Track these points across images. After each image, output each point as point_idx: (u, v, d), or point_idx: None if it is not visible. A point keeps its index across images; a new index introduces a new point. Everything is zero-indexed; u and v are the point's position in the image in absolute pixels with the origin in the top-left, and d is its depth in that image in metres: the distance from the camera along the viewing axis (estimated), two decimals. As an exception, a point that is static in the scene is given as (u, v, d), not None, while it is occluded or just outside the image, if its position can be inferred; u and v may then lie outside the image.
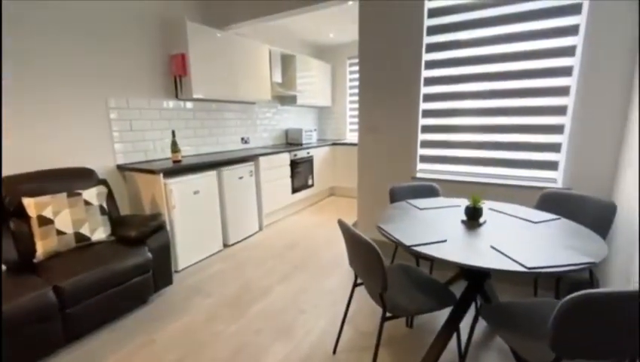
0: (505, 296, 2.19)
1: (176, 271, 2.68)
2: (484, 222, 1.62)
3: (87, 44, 2.47)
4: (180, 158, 2.86)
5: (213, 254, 3.02)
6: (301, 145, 4.60)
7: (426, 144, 2.62)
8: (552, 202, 1.98)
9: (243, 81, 3.52)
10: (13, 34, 2.10)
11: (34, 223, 1.95)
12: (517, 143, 2.33)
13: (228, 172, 3.11)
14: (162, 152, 3.09)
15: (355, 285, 1.67)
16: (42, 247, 1.94)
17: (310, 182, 4.57)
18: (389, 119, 2.67)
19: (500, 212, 1.79)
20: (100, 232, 2.15)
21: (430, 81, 2.53)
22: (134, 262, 2.04)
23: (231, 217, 3.19)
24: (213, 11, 3.41)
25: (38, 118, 2.26)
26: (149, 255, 2.15)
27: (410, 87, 2.55)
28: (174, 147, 2.83)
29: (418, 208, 1.87)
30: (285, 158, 3.98)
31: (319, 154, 4.73)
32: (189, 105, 3.32)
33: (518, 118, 2.29)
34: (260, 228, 3.67)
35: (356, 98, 5.32)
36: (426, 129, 2.60)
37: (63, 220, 2.02)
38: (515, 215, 1.73)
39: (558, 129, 2.19)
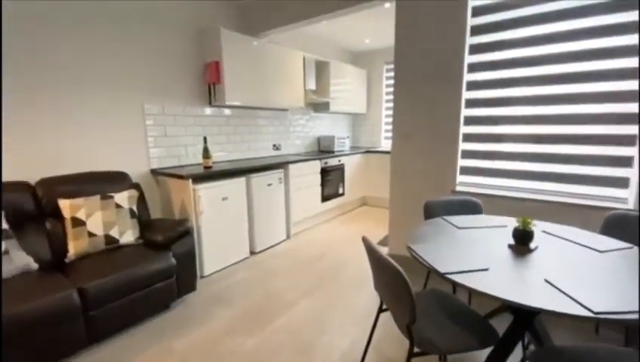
0: (560, 336, 1.87)
1: (201, 277, 2.67)
2: (536, 247, 1.38)
3: (125, 50, 2.58)
4: (210, 164, 2.88)
5: (239, 261, 2.99)
6: (333, 152, 4.49)
7: (468, 154, 2.37)
8: (621, 226, 1.66)
9: (276, 88, 3.51)
10: (51, 35, 2.23)
11: (68, 224, 2.03)
12: (577, 156, 2.02)
13: (257, 179, 3.08)
14: (194, 158, 3.14)
15: (381, 310, 1.50)
16: (74, 248, 2.01)
17: (341, 190, 4.44)
18: (425, 126, 2.47)
19: (556, 236, 1.53)
20: (128, 235, 2.19)
21: (474, 85, 2.30)
22: (158, 267, 2.04)
23: (258, 224, 3.15)
24: (248, 18, 3.45)
25: (77, 121, 2.37)
26: (173, 261, 2.14)
27: (451, 91, 2.34)
28: (206, 153, 2.86)
29: (456, 227, 1.66)
30: (316, 166, 3.89)
31: (351, 162, 4.59)
32: (222, 111, 3.36)
33: (579, 126, 1.99)
34: (288, 237, 3.59)
35: (391, 105, 5.12)
36: (469, 138, 2.36)
37: (94, 222, 2.08)
38: (574, 241, 1.46)
39: (628, 139, 1.86)
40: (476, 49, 2.26)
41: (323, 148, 4.74)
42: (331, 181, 4.21)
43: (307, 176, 3.76)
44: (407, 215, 2.67)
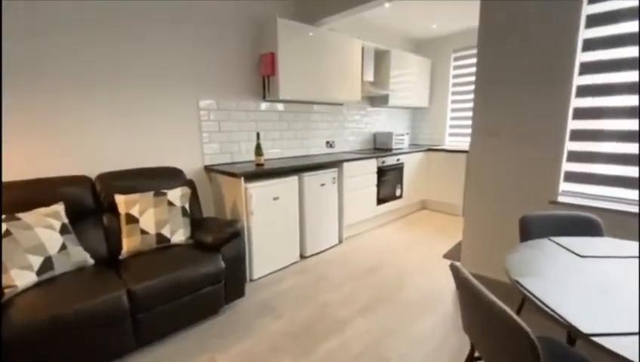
0: None
1: (250, 280, 2.53)
2: None
3: (180, 45, 2.51)
4: (262, 162, 2.73)
5: (289, 266, 2.80)
6: (390, 150, 4.11)
7: (577, 157, 1.87)
8: None
9: (332, 80, 3.24)
10: (112, 32, 2.21)
11: (122, 220, 2.00)
12: None
13: (309, 178, 2.86)
14: (247, 154, 3.02)
15: (473, 359, 1.15)
16: (127, 245, 1.97)
17: (398, 192, 4.04)
18: (517, 121, 2.01)
19: None
20: (179, 234, 2.11)
21: (590, 68, 1.79)
22: (207, 271, 1.91)
23: (310, 227, 2.93)
24: (304, 6, 3.22)
25: (135, 118, 2.35)
26: (222, 264, 2.00)
27: (555, 76, 1.85)
28: (258, 150, 2.71)
29: (577, 254, 1.24)
30: (372, 165, 3.56)
31: (411, 162, 4.16)
32: (276, 106, 3.20)
33: None
34: (340, 241, 3.33)
35: (460, 98, 4.57)
36: (579, 135, 1.85)
37: (147, 220, 2.02)
38: None
39: None
40: (595, 19, 1.74)
41: (379, 146, 4.38)
42: (388, 182, 3.84)
43: (362, 176, 3.45)
44: (486, 227, 2.23)
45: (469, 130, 4.66)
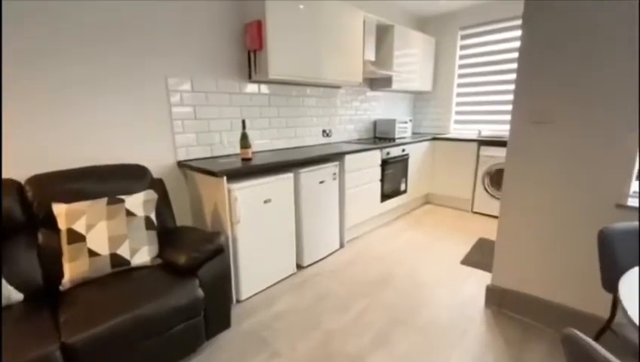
0: None
1: (237, 301, 2.09)
2: None
3: (143, 10, 1.96)
4: (249, 156, 2.24)
5: (284, 279, 2.36)
6: (393, 139, 3.68)
7: None
8: None
9: (331, 57, 2.75)
10: (55, -8, 1.64)
11: (63, 238, 1.49)
12: None
13: (307, 174, 2.40)
14: (231, 147, 2.52)
15: None
16: (70, 272, 1.47)
17: (403, 187, 3.64)
18: (576, 104, 1.59)
19: None
20: (142, 254, 1.62)
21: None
22: (179, 304, 1.45)
23: (308, 232, 2.48)
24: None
25: (79, 100, 1.81)
26: (200, 292, 1.54)
27: (631, 47, 1.43)
28: (244, 141, 2.22)
29: None
30: (375, 157, 3.12)
31: (416, 152, 3.74)
32: (264, 88, 2.69)
33: None
34: (342, 245, 2.91)
35: (467, 80, 4.14)
36: (656, 121, 1.45)
37: (97, 236, 1.52)
38: None
39: None
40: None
41: (380, 135, 3.94)
42: (392, 175, 3.42)
43: (365, 170, 3.01)
44: (529, 236, 1.83)
45: (478, 117, 4.35)
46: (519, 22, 3.64)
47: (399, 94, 4.34)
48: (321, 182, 2.53)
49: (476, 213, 3.81)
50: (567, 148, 1.64)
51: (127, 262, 1.58)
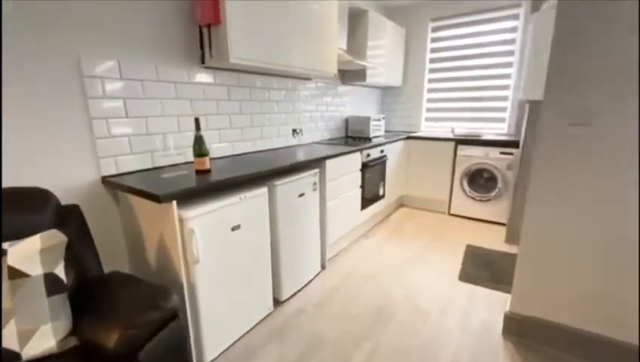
0: None
1: (199, 366, 1.53)
2: None
3: (35, -51, 1.28)
4: (207, 166, 1.67)
5: (260, 322, 1.85)
6: (368, 139, 3.32)
7: None
8: None
9: (302, 43, 2.25)
10: None
11: None
12: None
13: (284, 187, 1.90)
14: (180, 154, 1.91)
15: None
16: None
17: (381, 191, 3.30)
18: (618, 102, 1.33)
19: None
20: (43, 337, 1.01)
21: None
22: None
23: (285, 258, 1.99)
24: None
25: None
26: (143, 393, 0.98)
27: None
28: (199, 147, 1.64)
29: None
30: (356, 161, 2.72)
31: (392, 153, 3.43)
32: (222, 77, 2.11)
33: None
34: (323, 267, 2.46)
35: (438, 76, 3.94)
36: None
37: (-55, 326, 0.88)
38: None
39: None
40: None
41: (353, 134, 3.56)
42: (371, 180, 3.06)
43: (346, 176, 2.59)
44: (558, 256, 1.56)
45: (451, 115, 4.17)
46: (493, 14, 3.52)
47: (368, 89, 4.00)
48: (301, 195, 2.05)
49: (453, 215, 3.63)
50: (605, 156, 1.39)
51: (15, 356, 0.96)
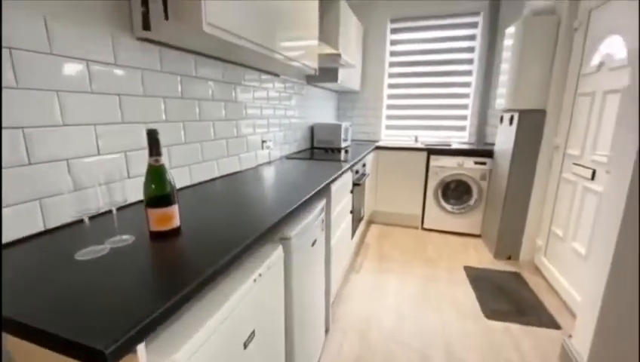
0: None
1: None
2: None
3: None
4: (175, 223, 0.87)
5: None
6: (338, 150, 2.81)
7: None
8: None
9: (287, 23, 1.58)
10: None
11: None
12: None
13: (299, 237, 1.19)
14: (108, 192, 1.02)
15: None
16: None
17: (362, 212, 2.81)
18: None
19: None
20: None
21: None
22: None
23: (300, 337, 1.28)
24: None
25: None
26: None
27: None
28: (158, 185, 0.83)
29: None
30: (348, 181, 2.15)
31: (368, 166, 2.98)
32: (171, 61, 1.28)
33: None
34: (327, 329, 1.80)
35: (399, 81, 3.68)
36: None
37: None
38: None
39: None
40: None
41: (321, 144, 2.98)
42: (357, 201, 2.53)
43: (342, 203, 2.00)
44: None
45: (412, 123, 3.85)
46: (452, 21, 3.41)
47: (325, 93, 3.47)
48: (314, 243, 1.37)
49: (427, 229, 3.39)
50: None
51: None
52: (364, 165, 2.66)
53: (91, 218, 0.90)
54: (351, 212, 2.27)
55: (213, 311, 0.69)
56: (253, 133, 1.95)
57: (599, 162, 1.82)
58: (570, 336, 1.57)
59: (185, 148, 1.40)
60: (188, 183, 1.43)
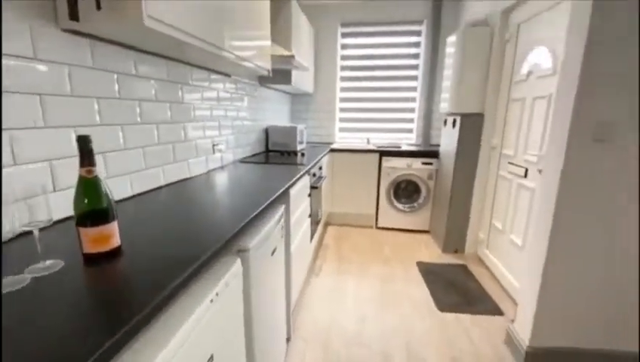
0: None
1: None
2: None
3: None
4: (115, 242, 0.76)
5: None
6: (294, 153, 2.77)
7: None
8: None
9: (237, 20, 1.51)
10: None
11: None
12: None
13: (259, 248, 1.13)
14: (28, 209, 0.86)
15: None
16: None
17: (320, 214, 2.80)
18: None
19: None
20: None
21: None
22: None
23: (259, 352, 1.21)
24: None
25: None
26: None
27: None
28: (93, 199, 0.71)
29: None
30: (306, 184, 2.12)
31: (324, 168, 2.98)
32: (103, 56, 1.13)
33: None
34: (289, 338, 1.75)
35: (351, 85, 3.75)
36: None
37: None
38: None
39: None
40: None
41: (275, 147, 2.91)
42: (314, 204, 2.51)
43: (301, 207, 1.96)
44: (585, 280, 1.45)
45: (364, 125, 3.95)
46: (398, 28, 3.57)
47: (279, 95, 3.41)
48: (273, 252, 1.31)
49: (381, 228, 3.50)
50: (621, 175, 1.34)
51: None
52: (320, 168, 2.65)
53: (6, 242, 0.75)
54: (309, 216, 2.24)
55: (164, 342, 0.60)
56: (203, 137, 1.83)
57: (531, 161, 2.02)
58: (512, 321, 1.72)
59: (124, 154, 1.25)
60: (129, 194, 1.28)
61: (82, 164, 0.71)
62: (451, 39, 2.76)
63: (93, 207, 0.73)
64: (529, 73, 2.08)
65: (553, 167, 1.41)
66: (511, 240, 2.23)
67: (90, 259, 0.73)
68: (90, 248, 0.73)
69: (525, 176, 2.07)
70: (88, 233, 0.72)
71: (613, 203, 1.36)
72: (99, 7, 0.87)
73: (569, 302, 1.48)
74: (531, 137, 2.04)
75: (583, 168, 1.35)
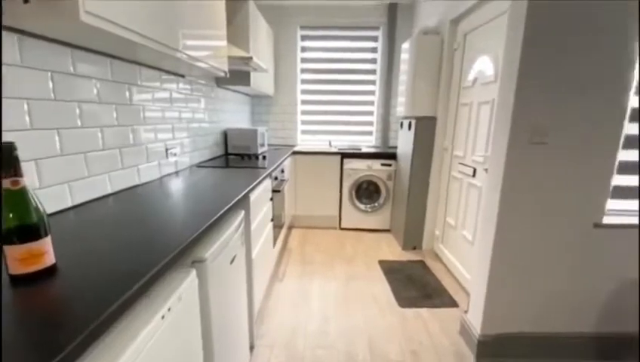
0: None
1: None
2: None
3: None
4: (49, 260, 0.68)
5: None
6: (255, 156, 2.73)
7: (630, 167, 1.54)
8: None
9: (186, 24, 1.45)
10: None
11: None
12: None
13: (217, 259, 1.08)
14: None
15: None
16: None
17: (283, 218, 2.77)
18: (573, 122, 1.43)
19: None
20: None
21: None
22: None
23: (220, 360, 1.17)
24: None
25: None
26: None
27: (610, 64, 1.39)
28: (21, 213, 0.64)
29: None
30: (267, 188, 2.08)
31: (287, 171, 2.96)
32: (35, 53, 1.02)
33: None
34: (252, 347, 1.70)
35: (310, 87, 3.77)
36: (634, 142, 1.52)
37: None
38: None
39: None
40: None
41: (235, 150, 2.83)
42: (278, 208, 2.48)
43: (262, 213, 1.92)
44: (526, 270, 1.58)
45: (326, 128, 3.99)
46: (356, 33, 3.65)
47: (239, 97, 3.33)
48: (232, 261, 1.27)
49: (344, 228, 3.55)
50: (556, 171, 1.49)
51: None
52: (282, 171, 2.63)
53: None
54: (272, 220, 2.21)
55: (107, 368, 0.55)
56: (154, 140, 1.72)
57: (478, 161, 2.17)
58: (466, 312, 1.83)
59: (61, 161, 1.14)
60: (68, 205, 1.16)
61: (6, 174, 0.63)
62: (405, 45, 2.88)
63: (20, 222, 0.65)
64: (475, 80, 2.24)
65: (496, 166, 1.53)
66: (463, 236, 2.38)
67: (19, 281, 0.65)
68: (17, 268, 0.65)
69: (474, 175, 2.22)
70: (15, 252, 0.64)
71: (548, 196, 1.50)
72: (26, 0, 0.78)
73: (515, 291, 1.61)
74: (478, 139, 2.19)
75: (522, 167, 1.48)
